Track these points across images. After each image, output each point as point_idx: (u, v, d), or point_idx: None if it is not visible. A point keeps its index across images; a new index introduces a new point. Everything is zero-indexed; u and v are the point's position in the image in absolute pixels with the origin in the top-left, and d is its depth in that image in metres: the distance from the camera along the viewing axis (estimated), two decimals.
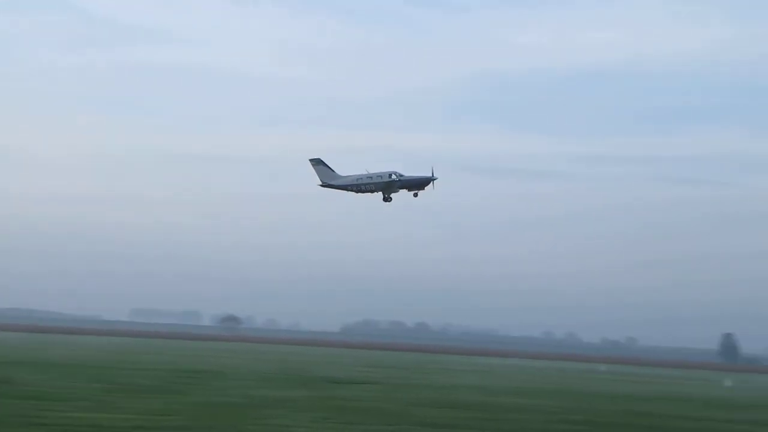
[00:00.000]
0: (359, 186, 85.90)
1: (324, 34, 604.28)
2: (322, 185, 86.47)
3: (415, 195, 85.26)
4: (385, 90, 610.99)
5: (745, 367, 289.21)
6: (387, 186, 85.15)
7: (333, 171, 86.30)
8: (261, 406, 56.81)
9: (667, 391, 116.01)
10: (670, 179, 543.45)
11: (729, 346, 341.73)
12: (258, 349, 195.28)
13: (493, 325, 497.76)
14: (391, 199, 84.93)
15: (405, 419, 54.09)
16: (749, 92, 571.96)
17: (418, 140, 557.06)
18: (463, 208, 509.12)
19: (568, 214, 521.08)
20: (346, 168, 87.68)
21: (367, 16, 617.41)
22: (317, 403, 60.99)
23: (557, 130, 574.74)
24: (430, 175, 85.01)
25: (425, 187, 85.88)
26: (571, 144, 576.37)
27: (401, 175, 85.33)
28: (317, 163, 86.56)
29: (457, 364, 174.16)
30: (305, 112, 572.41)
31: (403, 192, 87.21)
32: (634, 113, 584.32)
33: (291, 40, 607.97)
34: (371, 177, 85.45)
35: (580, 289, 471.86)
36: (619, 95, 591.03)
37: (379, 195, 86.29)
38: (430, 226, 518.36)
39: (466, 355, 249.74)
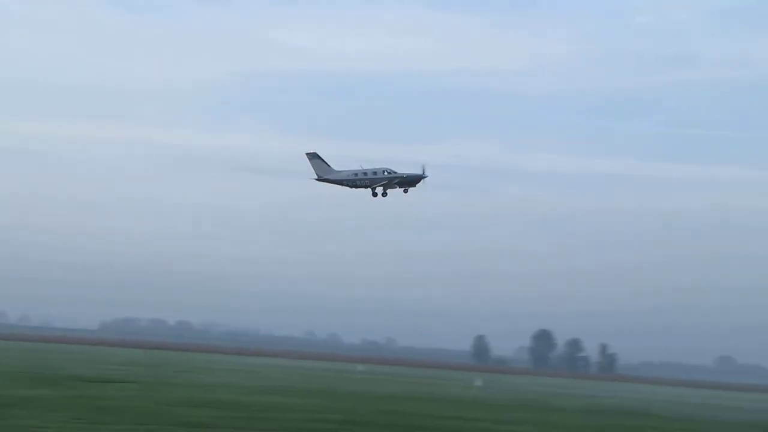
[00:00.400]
0: (355, 181, 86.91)
1: (84, 17, 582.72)
2: (317, 179, 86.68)
3: (405, 191, 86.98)
4: (148, 81, 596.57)
5: (495, 368, 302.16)
6: (388, 182, 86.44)
7: (328, 165, 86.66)
8: (7, 406, 54.41)
9: (422, 390, 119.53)
10: (434, 185, 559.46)
11: (481, 347, 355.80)
12: (7, 347, 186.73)
13: (256, 324, 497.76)
14: (386, 194, 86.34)
15: (161, 419, 53.22)
16: (507, 105, 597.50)
17: (181, 137, 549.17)
18: (229, 206, 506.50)
19: (333, 215, 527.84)
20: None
21: (135, 2, 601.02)
22: (68, 403, 59.02)
23: (326, 133, 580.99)
24: (421, 173, 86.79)
25: (416, 185, 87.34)
26: (342, 147, 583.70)
27: (393, 172, 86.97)
28: (313, 157, 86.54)
29: (219, 363, 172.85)
30: (53, 99, 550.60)
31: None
32: (401, 119, 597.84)
33: (47, 22, 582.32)
34: (366, 173, 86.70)
35: (342, 291, 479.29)
36: (386, 100, 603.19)
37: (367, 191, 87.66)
38: (193, 222, 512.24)
39: (229, 355, 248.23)
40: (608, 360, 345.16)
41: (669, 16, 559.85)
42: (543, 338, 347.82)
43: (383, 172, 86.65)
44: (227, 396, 76.90)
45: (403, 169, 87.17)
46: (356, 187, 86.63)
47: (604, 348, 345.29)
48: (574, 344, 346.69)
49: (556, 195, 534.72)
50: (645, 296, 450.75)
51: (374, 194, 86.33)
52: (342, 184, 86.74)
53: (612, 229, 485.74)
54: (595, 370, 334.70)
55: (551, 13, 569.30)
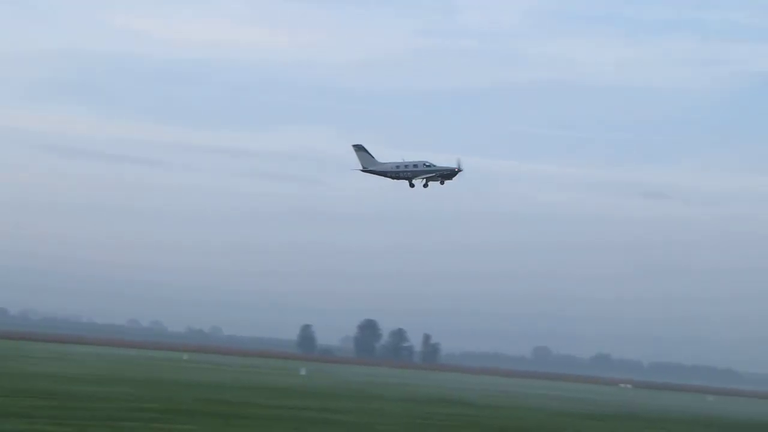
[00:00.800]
0: (398, 173, 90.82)
1: None
2: (363, 170, 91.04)
3: (442, 183, 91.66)
4: None
5: (321, 358, 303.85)
6: (435, 174, 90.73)
7: (373, 157, 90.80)
8: None
9: (246, 379, 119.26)
10: (260, 173, 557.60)
11: (307, 337, 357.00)
12: None
13: (77, 311, 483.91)
14: (427, 185, 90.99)
15: None
16: (334, 94, 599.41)
17: None
18: (48, 188, 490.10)
19: (156, 200, 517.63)
20: None
21: None
22: None
23: (150, 117, 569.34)
24: (456, 166, 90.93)
25: (452, 178, 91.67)
26: (163, 132, 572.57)
27: (431, 165, 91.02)
28: (359, 149, 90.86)
29: (37, 351, 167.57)
30: None
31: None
32: (227, 107, 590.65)
33: None
34: (407, 165, 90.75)
35: (167, 278, 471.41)
36: (211, 86, 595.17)
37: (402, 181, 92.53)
38: (8, 206, 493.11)
39: (47, 342, 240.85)
40: (431, 350, 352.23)
41: (495, 17, 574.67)
42: (368, 328, 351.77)
43: (422, 164, 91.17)
44: (43, 385, 74.85)
45: (442, 163, 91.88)
46: (398, 178, 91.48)
47: (427, 338, 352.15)
48: (399, 334, 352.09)
49: (386, 190, 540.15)
50: (468, 288, 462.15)
51: (411, 185, 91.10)
52: (386, 176, 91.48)
53: (436, 224, 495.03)
54: (419, 360, 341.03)
55: (386, 12, 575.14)
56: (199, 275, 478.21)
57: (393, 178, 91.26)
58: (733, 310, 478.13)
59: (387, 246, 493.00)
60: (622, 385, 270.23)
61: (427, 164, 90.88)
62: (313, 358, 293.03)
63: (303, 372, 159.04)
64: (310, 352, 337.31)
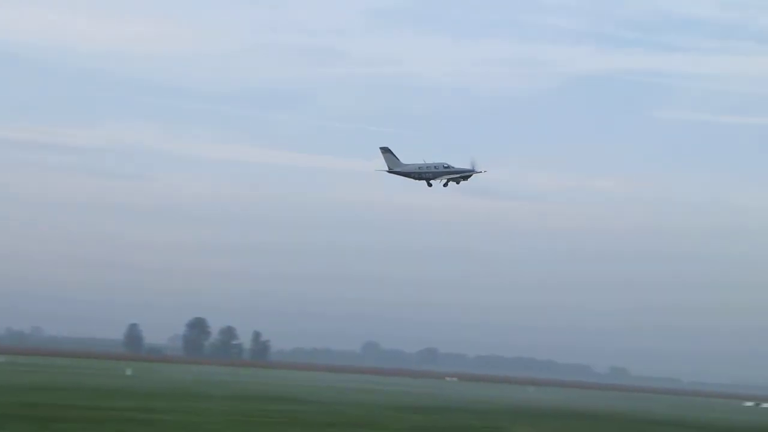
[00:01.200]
0: (421, 174, 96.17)
1: None
2: (389, 171, 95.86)
3: (457, 183, 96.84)
4: None
5: (148, 357, 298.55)
6: (459, 175, 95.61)
7: (398, 159, 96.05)
8: None
9: (68, 381, 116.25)
10: (88, 169, 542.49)
11: (133, 336, 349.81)
12: None
13: None
14: (447, 185, 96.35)
15: None
16: (164, 91, 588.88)
17: None
18: None
19: None
20: None
21: None
22: None
23: None
24: (472, 168, 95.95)
25: (468, 179, 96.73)
26: None
27: (450, 166, 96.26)
28: (386, 151, 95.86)
29: None
30: None
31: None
32: (42, 99, 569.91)
33: None
34: (428, 167, 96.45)
35: None
36: (35, 78, 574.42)
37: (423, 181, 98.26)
38: None
39: None
40: (261, 347, 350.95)
41: (321, 12, 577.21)
42: (197, 326, 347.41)
43: (442, 166, 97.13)
44: None
45: (458, 164, 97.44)
46: (421, 179, 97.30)
47: (257, 336, 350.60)
48: (228, 332, 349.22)
49: (214, 184, 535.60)
50: (299, 287, 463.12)
51: (429, 185, 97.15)
52: (409, 176, 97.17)
53: (265, 224, 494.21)
54: (249, 357, 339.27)
55: (216, 5, 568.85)
56: (19, 272, 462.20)
57: (416, 178, 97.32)
58: (551, 301, 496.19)
59: (216, 243, 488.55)
60: (449, 379, 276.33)
61: (446, 166, 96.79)
62: (140, 357, 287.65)
63: (129, 372, 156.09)
64: (137, 351, 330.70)
